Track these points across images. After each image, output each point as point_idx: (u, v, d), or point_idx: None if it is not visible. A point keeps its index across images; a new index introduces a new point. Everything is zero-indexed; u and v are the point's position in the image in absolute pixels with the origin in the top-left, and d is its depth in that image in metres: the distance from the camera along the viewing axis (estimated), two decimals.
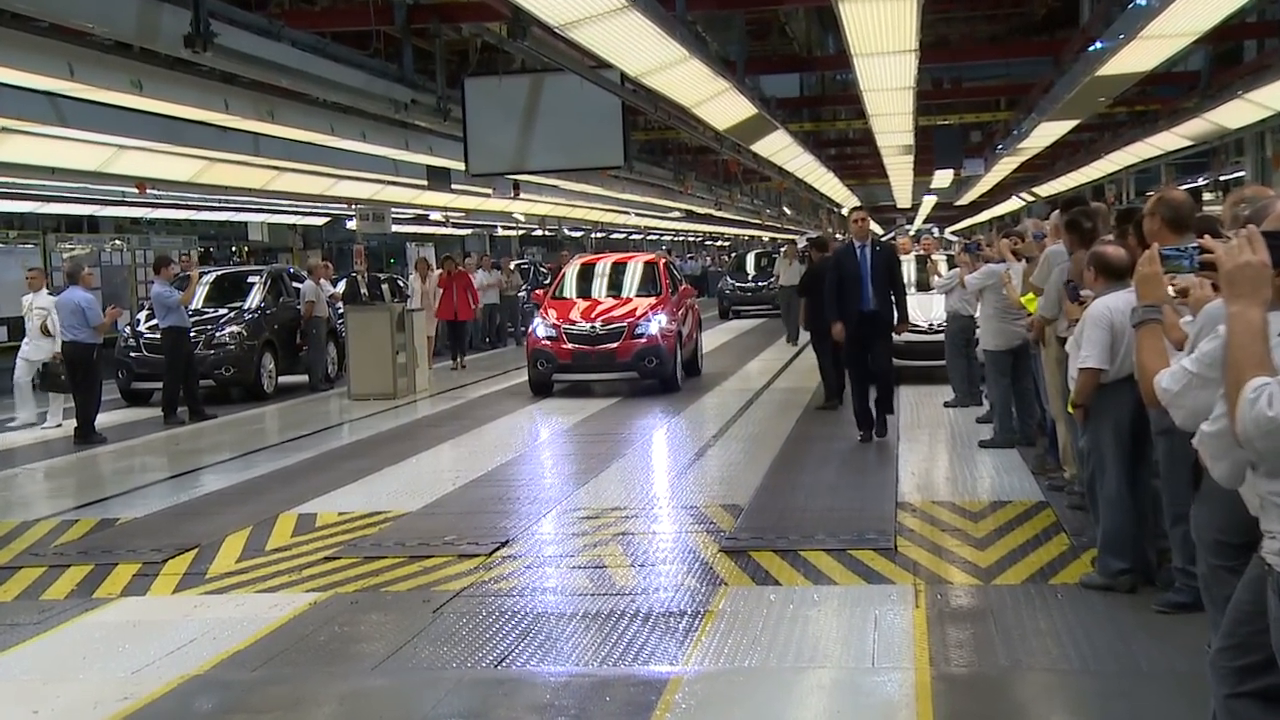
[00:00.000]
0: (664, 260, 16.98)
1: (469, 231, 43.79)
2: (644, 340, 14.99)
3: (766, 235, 58.07)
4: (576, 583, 6.78)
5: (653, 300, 15.66)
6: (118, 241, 23.75)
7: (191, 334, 15.16)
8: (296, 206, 29.41)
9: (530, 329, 15.65)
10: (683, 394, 15.07)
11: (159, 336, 15.26)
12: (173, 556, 7.74)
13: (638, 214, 39.83)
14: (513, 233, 43.94)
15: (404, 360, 16.80)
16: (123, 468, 12.02)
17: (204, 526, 8.65)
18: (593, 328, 15.00)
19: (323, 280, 18.68)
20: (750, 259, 35.28)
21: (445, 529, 8.20)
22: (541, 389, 15.37)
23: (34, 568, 7.67)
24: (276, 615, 6.38)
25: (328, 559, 7.55)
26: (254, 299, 17.65)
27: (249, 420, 15.13)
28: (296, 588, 6.93)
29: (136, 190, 20.25)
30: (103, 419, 13.93)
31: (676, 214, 40.09)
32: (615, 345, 14.92)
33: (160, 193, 22.06)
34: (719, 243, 67.06)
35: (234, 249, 39.38)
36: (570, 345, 14.96)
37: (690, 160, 29.46)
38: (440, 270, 20.94)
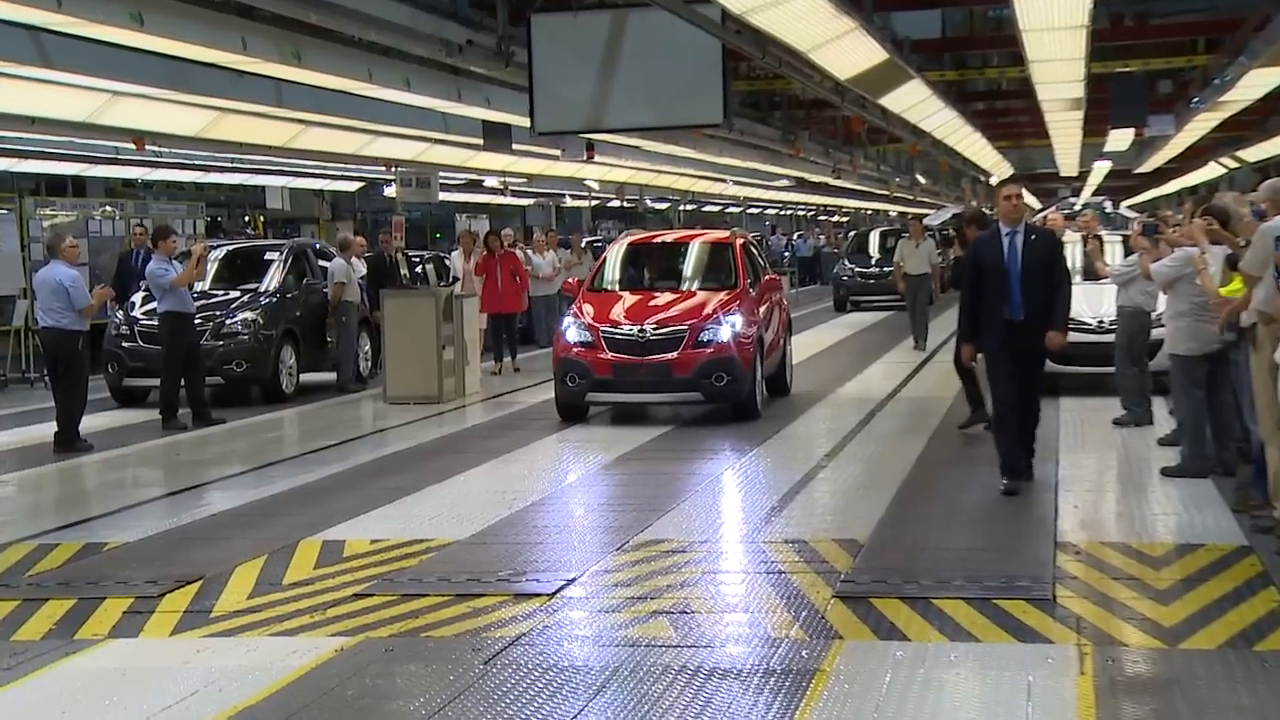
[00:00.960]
0: (741, 240, 15.57)
1: (531, 201, 44.10)
2: (711, 349, 13.56)
3: (894, 210, 57.78)
4: (657, 631, 6.77)
5: (724, 295, 14.29)
6: (109, 208, 24.21)
7: (196, 321, 15.42)
8: (325, 169, 29.84)
9: (558, 330, 14.42)
10: (765, 421, 13.87)
11: (157, 323, 15.53)
12: (171, 590, 7.84)
13: (737, 182, 39.84)
14: (584, 203, 44.17)
15: (451, 357, 16.94)
16: (112, 482, 12.24)
17: (209, 554, 8.76)
18: (642, 331, 13.68)
19: (355, 259, 18.92)
20: (874, 239, 35.14)
21: (499, 562, 8.25)
22: (571, 413, 14.17)
23: (4, 601, 7.80)
24: (295, 664, 6.44)
25: (357, 596, 7.62)
26: (272, 280, 17.92)
27: (264, 426, 15.35)
28: (320, 631, 7.00)
29: (133, 146, 20.69)
30: (89, 422, 14.22)
31: (785, 182, 40.03)
32: (672, 356, 13.55)
33: (161, 149, 22.54)
34: (835, 218, 66.81)
35: (248, 219, 40.09)
36: (611, 354, 13.68)
37: (803, 117, 29.38)
38: (480, 250, 20.19)
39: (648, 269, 15.41)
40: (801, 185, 41.90)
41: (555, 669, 6.25)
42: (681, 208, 46.20)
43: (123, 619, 7.36)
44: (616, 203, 44.79)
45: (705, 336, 13.65)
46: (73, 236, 14.58)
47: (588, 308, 14.18)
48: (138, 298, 17.36)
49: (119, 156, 24.36)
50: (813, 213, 65.81)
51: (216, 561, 8.52)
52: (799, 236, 54.48)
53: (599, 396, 14.01)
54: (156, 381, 15.48)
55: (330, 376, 18.36)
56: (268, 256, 18.58)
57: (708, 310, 13.93)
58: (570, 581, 7.75)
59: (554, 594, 7.52)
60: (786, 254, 49.57)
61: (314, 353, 18.15)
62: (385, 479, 11.50)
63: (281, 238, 31.38)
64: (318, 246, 19.92)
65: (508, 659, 6.41)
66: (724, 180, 38.94)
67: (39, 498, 11.60)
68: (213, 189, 37.04)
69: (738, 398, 13.76)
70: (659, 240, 16.31)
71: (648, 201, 43.52)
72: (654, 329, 13.70)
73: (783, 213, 65.84)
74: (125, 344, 16.82)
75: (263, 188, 34.88)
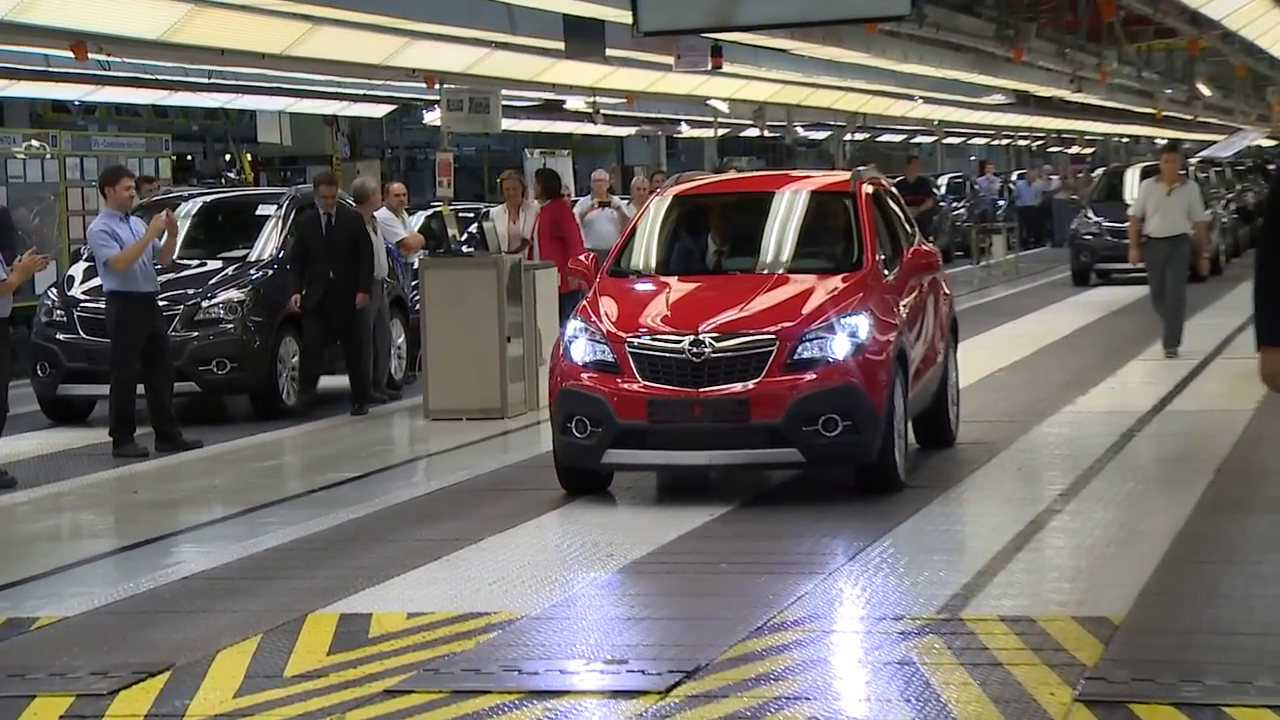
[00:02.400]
0: (870, 187, 13.70)
1: (631, 131, 44.23)
2: (816, 375, 11.88)
3: (1162, 136, 57.06)
4: None
5: (840, 281, 12.62)
6: (35, 143, 24.63)
7: (160, 303, 15.63)
8: (340, 86, 30.16)
9: (560, 344, 12.64)
10: (914, 492, 12.23)
11: (104, 306, 15.76)
12: (128, 685, 7.91)
13: (928, 99, 39.65)
14: (707, 133, 44.22)
15: (520, 353, 16.99)
16: (43, 531, 12.44)
17: (180, 634, 8.85)
18: (697, 345, 11.90)
19: (381, 215, 18.97)
20: (1130, 179, 34.69)
21: (588, 646, 8.29)
22: (580, 481, 12.55)
23: None
24: None
25: (389, 694, 7.66)
26: (266, 245, 18.17)
27: (257, 452, 15.55)
28: None
29: (71, 55, 20.96)
30: (9, 446, 14.50)
31: (999, 99, 39.74)
32: (750, 387, 11.85)
33: (111, 59, 22.84)
34: (1073, 150, 66.22)
35: (232, 159, 40.61)
36: (644, 384, 11.96)
37: (1027, 5, 29.15)
38: (537, 199, 19.52)
39: (710, 238, 13.75)
40: (1025, 103, 41.59)
41: None
42: (845, 139, 46.09)
43: None
44: (754, 131, 44.75)
45: (806, 352, 11.92)
46: None
47: (607, 306, 12.48)
48: (78, 269, 17.63)
49: (50, 69, 24.76)
50: (1040, 143, 65.35)
51: (191, 644, 8.60)
52: (1020, 178, 54.04)
53: (623, 457, 12.15)
54: (105, 389, 15.72)
55: (346, 381, 18.32)
56: (260, 211, 18.82)
57: (810, 307, 12.18)
58: (689, 674, 7.76)
59: (667, 692, 7.52)
60: (1001, 202, 49.26)
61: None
62: (427, 527, 11.59)
63: (279, 184, 31.71)
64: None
65: None
66: (910, 98, 38.78)
67: None
68: (182, 116, 37.60)
69: (863, 455, 11.98)
70: (727, 190, 14.96)
71: (798, 130, 43.44)
72: (717, 340, 11.89)
73: (996, 143, 65.44)
74: (60, 336, 17.08)
75: (252, 114, 35.28)
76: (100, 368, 15.96)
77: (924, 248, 14.27)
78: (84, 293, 17.15)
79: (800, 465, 12.20)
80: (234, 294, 17.31)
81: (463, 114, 22.48)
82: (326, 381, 18.33)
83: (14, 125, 28.37)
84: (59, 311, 17.22)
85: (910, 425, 13.10)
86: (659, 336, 12.12)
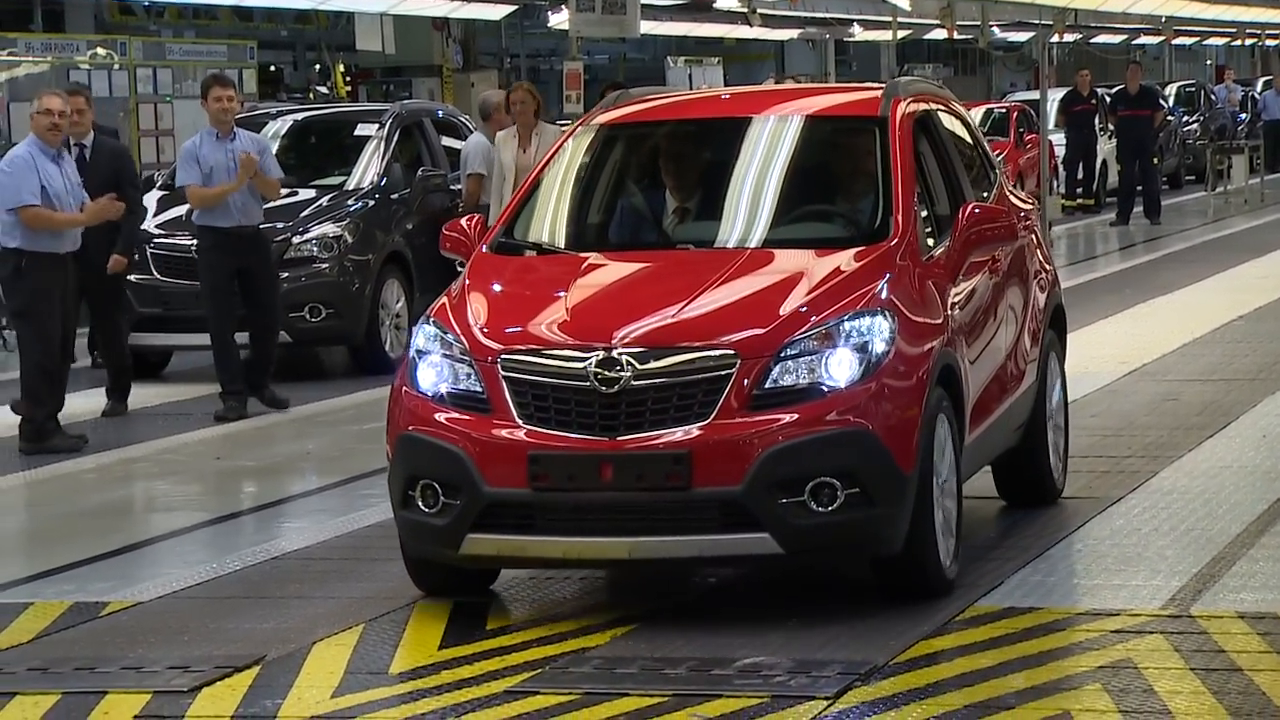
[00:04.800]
0: (911, 110, 10.85)
1: (793, 34, 44.03)
2: (801, 415, 9.05)
3: None
4: None
5: (846, 262, 9.82)
6: (102, 51, 24.90)
7: (250, 238, 15.65)
8: None
9: (405, 361, 9.84)
10: (1134, 460, 12.02)
11: (193, 243, 16.00)
12: (211, 681, 8.08)
13: None
14: (883, 36, 43.99)
15: None
16: (113, 503, 12.67)
17: (272, 622, 9.05)
18: (607, 364, 9.02)
19: (471, 144, 18.78)
20: None
21: (741, 640, 8.37)
22: (434, 580, 9.68)
23: None
24: None
25: (511, 695, 7.79)
26: (366, 172, 18.35)
27: (356, 414, 15.81)
28: None
29: None
30: (79, 404, 14.80)
31: None
32: (691, 434, 8.98)
33: None
34: None
35: (324, 70, 40.85)
36: (526, 431, 9.09)
37: None
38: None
39: (647, 193, 11.09)
40: None
41: None
42: (1051, 40, 45.62)
43: None
44: (940, 34, 44.45)
45: (785, 376, 9.17)
46: (50, 97, 14.90)
47: (478, 303, 9.77)
48: (151, 199, 17.84)
49: None
50: None
51: (283, 635, 8.78)
52: (1267, 87, 53.14)
53: (493, 545, 9.19)
54: (181, 338, 15.89)
55: None
56: (360, 132, 19.00)
57: (794, 303, 9.47)
58: (861, 678, 7.82)
59: (835, 698, 7.59)
60: (1243, 116, 48.55)
61: (437, 290, 18.40)
62: None
63: (381, 99, 31.91)
64: (441, 115, 20.26)
65: None
66: None
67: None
68: (268, 20, 37.86)
69: (879, 541, 9.16)
70: (685, 117, 11.75)
71: (993, 31, 43.08)
72: (640, 359, 9.07)
73: (1237, 44, 64.52)
74: (131, 276, 17.24)
75: (350, 17, 35.50)
76: (176, 314, 16.13)
77: (1003, 202, 11.55)
78: (158, 226, 17.35)
79: (774, 559, 9.10)
80: (329, 229, 17.45)
81: (594, 15, 22.55)
82: None
83: (77, 31, 28.67)
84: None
85: (959, 481, 9.82)
86: (549, 353, 9.24)
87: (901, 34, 44.26)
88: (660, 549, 9.05)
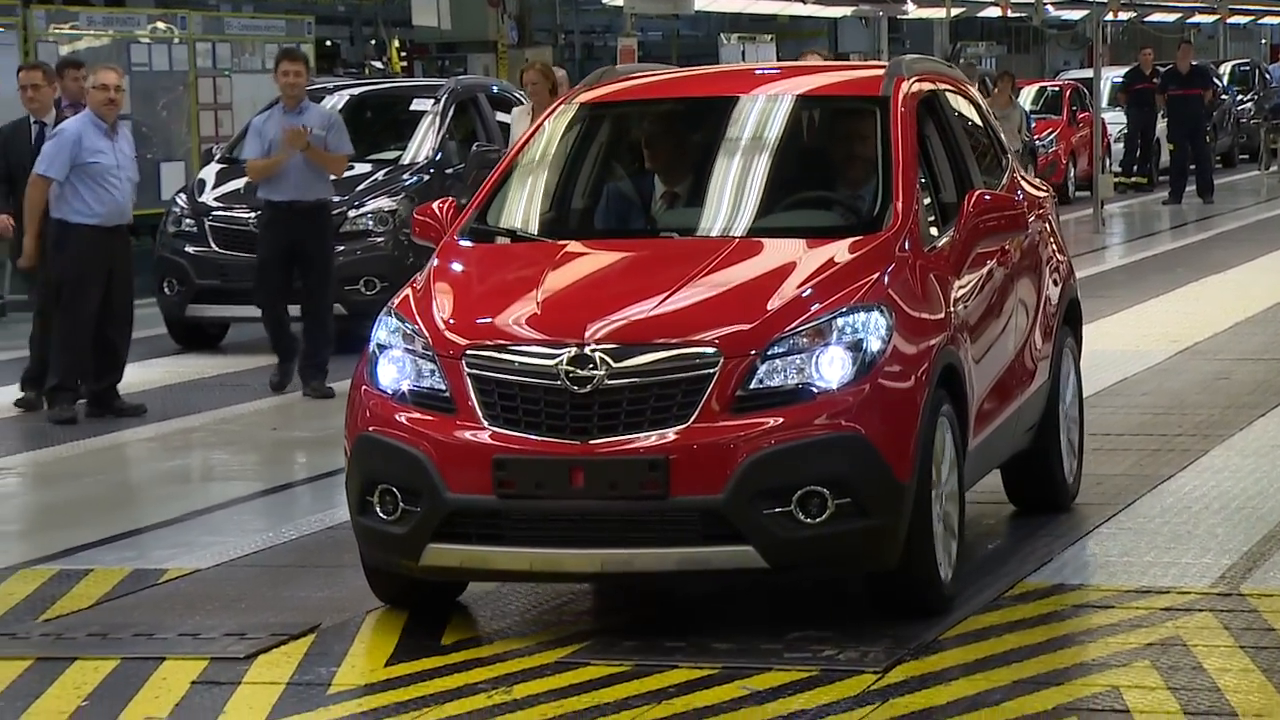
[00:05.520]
0: (915, 90, 10.06)
1: (846, 11, 43.95)
2: (788, 418, 8.39)
3: None
4: None
5: (840, 253, 9.13)
6: (163, 25, 24.97)
7: (305, 214, 15.54)
8: None
9: (364, 355, 9.00)
10: (1184, 439, 12.04)
11: (250, 216, 16.13)
12: (268, 648, 8.15)
13: None
14: (937, 14, 43.90)
15: None
16: (172, 471, 12.73)
17: (327, 591, 9.11)
18: (579, 362, 8.35)
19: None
20: None
21: (784, 612, 8.43)
22: (393, 590, 8.95)
23: (7, 660, 8.18)
24: None
25: (562, 665, 7.82)
26: (422, 145, 18.39)
27: None
28: (503, 718, 7.20)
29: None
30: (138, 374, 14.88)
31: None
32: (667, 438, 8.30)
33: None
34: None
35: (380, 45, 40.93)
36: (491, 433, 8.39)
37: None
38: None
39: (632, 177, 10.35)
40: None
41: None
42: (1105, 19, 45.45)
43: (191, 695, 7.67)
44: (994, 11, 44.32)
45: (772, 376, 8.51)
46: (105, 73, 14.92)
47: (444, 294, 9.06)
48: (210, 172, 17.88)
49: None
50: None
51: (338, 604, 8.84)
52: None
53: (455, 555, 8.47)
54: (239, 310, 15.95)
55: None
56: (416, 107, 19.02)
57: (782, 298, 8.79)
58: (910, 653, 7.83)
59: (884, 672, 7.60)
60: None
61: None
62: None
63: (436, 74, 31.94)
64: (495, 90, 20.27)
65: None
66: None
67: (56, 495, 12.17)
68: None
69: (873, 556, 8.48)
70: (672, 95, 10.90)
71: (1048, 10, 42.97)
72: (615, 356, 8.38)
73: None
74: (190, 248, 17.42)
75: None
76: (234, 285, 16.18)
77: (1014, 189, 10.79)
78: (217, 199, 17.41)
79: (758, 573, 8.36)
80: (385, 202, 17.49)
81: None
82: None
83: (138, 5, 28.76)
84: (188, 221, 17.52)
85: (963, 487, 9.16)
86: (517, 349, 8.54)
87: (955, 11, 44.15)
88: (635, 562, 8.34)
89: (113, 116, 14.10)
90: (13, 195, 14.51)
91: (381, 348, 8.69)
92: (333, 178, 15.52)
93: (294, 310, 15.32)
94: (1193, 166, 33.11)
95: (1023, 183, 11.03)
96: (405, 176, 17.90)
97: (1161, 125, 34.67)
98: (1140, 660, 7.64)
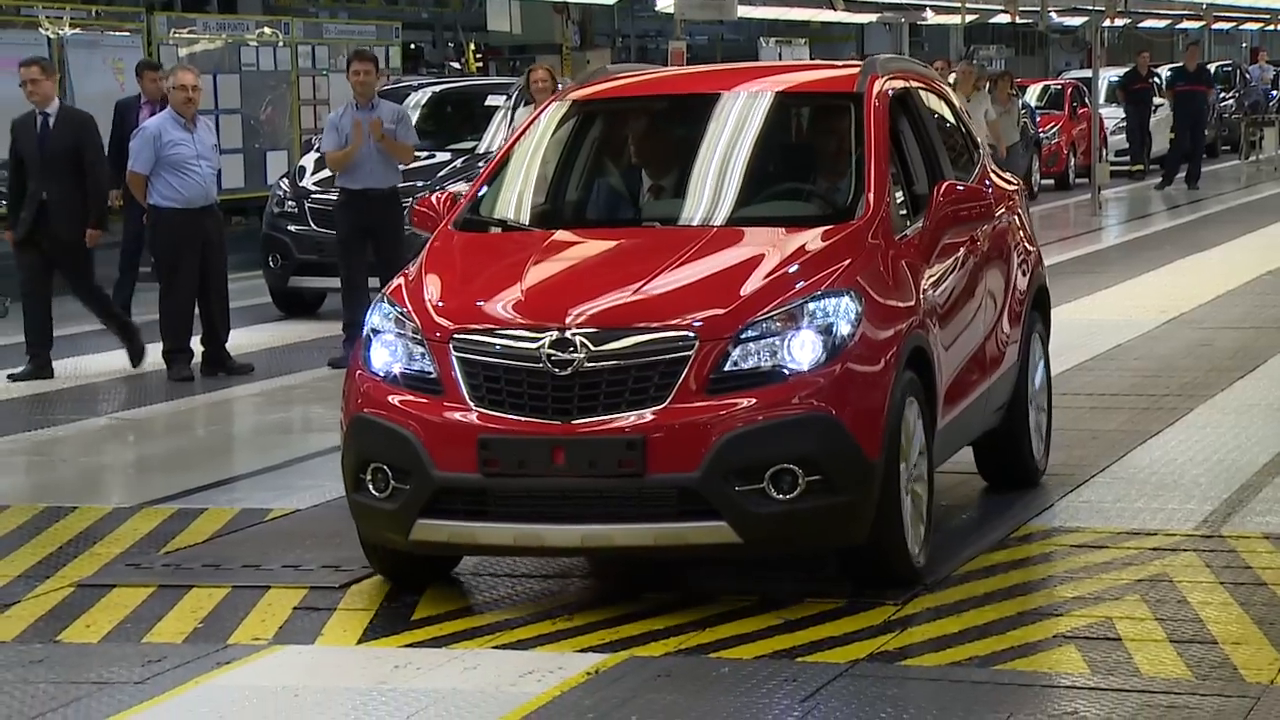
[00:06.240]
0: (888, 88, 9.52)
1: (872, 18, 43.80)
2: (760, 399, 7.93)
3: None
4: (1064, 665, 6.85)
5: (813, 241, 8.66)
6: (268, 30, 25.05)
7: (379, 200, 15.30)
8: None
9: (359, 340, 8.72)
10: (1173, 399, 12.41)
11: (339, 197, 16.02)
12: (359, 580, 8.27)
13: None
14: (953, 20, 43.69)
15: None
16: (275, 423, 12.82)
17: None
18: (560, 345, 7.91)
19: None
20: None
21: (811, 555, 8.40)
22: (390, 565, 8.51)
23: (133, 587, 8.31)
24: (531, 691, 6.73)
25: (620, 595, 7.94)
26: (495, 137, 18.40)
27: None
28: (565, 644, 7.29)
29: None
30: (245, 337, 14.93)
31: None
32: (645, 418, 7.86)
33: None
34: None
35: (459, 48, 40.93)
36: (478, 414, 7.95)
37: None
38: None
39: (620, 170, 9.88)
40: None
41: (904, 709, 6.37)
42: (1103, 25, 45.23)
43: (293, 619, 7.79)
44: (1004, 18, 44.17)
45: (746, 359, 8.04)
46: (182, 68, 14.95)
47: (434, 281, 8.63)
48: (309, 160, 17.97)
49: None
50: None
51: None
52: None
53: (443, 530, 8.03)
54: (335, 282, 16.01)
55: None
56: (490, 102, 19.05)
57: (756, 283, 8.33)
58: (926, 587, 7.88)
59: (905, 603, 7.66)
60: (1275, 93, 48.06)
61: None
62: None
63: (508, 74, 31.97)
64: (559, 88, 20.29)
65: (834, 696, 6.58)
66: None
67: (176, 443, 12.31)
68: (410, 4, 37.96)
69: (842, 532, 8.01)
70: (657, 93, 10.50)
71: (1051, 16, 42.80)
72: (594, 339, 7.94)
73: (1271, 28, 63.82)
74: (292, 227, 17.55)
75: (482, 0, 35.56)
76: (330, 260, 16.27)
77: (984, 182, 10.21)
78: (315, 183, 17.59)
79: (733, 549, 7.90)
80: (462, 187, 17.47)
81: (696, 0, 22.45)
82: None
83: (248, 12, 28.97)
84: (290, 203, 17.68)
85: (933, 464, 8.66)
86: (502, 333, 8.11)
87: (969, 18, 44.02)
88: (614, 537, 7.89)
89: (191, 112, 14.21)
90: (19, 177, 14.46)
91: (375, 332, 8.33)
92: (402, 167, 15.54)
93: (374, 282, 15.41)
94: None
95: (993, 175, 10.56)
96: (480, 164, 17.92)
97: (1166, 116, 34.59)
98: (1131, 594, 7.66)
